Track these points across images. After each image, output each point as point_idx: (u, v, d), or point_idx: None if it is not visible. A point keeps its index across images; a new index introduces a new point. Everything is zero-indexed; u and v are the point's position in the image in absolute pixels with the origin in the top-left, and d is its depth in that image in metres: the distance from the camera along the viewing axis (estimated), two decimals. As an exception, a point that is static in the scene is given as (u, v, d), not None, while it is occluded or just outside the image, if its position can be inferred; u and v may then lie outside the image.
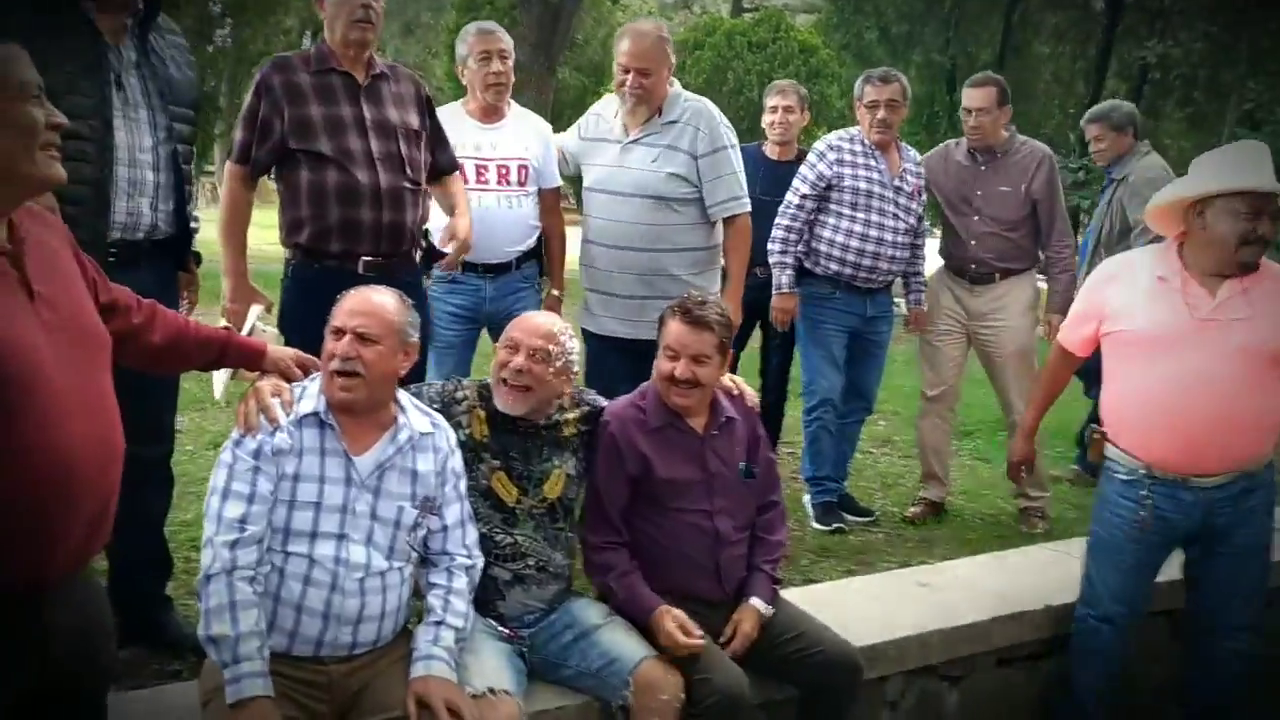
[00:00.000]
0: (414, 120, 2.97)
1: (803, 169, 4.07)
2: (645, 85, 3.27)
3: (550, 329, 2.43)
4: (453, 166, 3.19)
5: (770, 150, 4.57)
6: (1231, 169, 2.59)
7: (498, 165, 3.47)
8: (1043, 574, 3.31)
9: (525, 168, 3.53)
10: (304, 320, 2.58)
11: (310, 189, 2.82)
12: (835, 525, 4.01)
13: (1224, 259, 2.58)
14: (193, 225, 2.73)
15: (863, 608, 2.99)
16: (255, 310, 2.69)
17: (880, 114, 3.96)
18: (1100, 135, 4.60)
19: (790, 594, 2.86)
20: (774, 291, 4.08)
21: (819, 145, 4.11)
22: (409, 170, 2.91)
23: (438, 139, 3.10)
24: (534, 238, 3.60)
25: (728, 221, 3.40)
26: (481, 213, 3.29)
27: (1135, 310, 2.67)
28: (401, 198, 2.88)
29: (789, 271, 4.05)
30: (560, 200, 3.82)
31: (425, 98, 3.06)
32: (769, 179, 4.24)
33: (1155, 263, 2.72)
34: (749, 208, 3.43)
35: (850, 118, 4.64)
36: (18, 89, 1.54)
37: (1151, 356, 2.63)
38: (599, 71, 17.12)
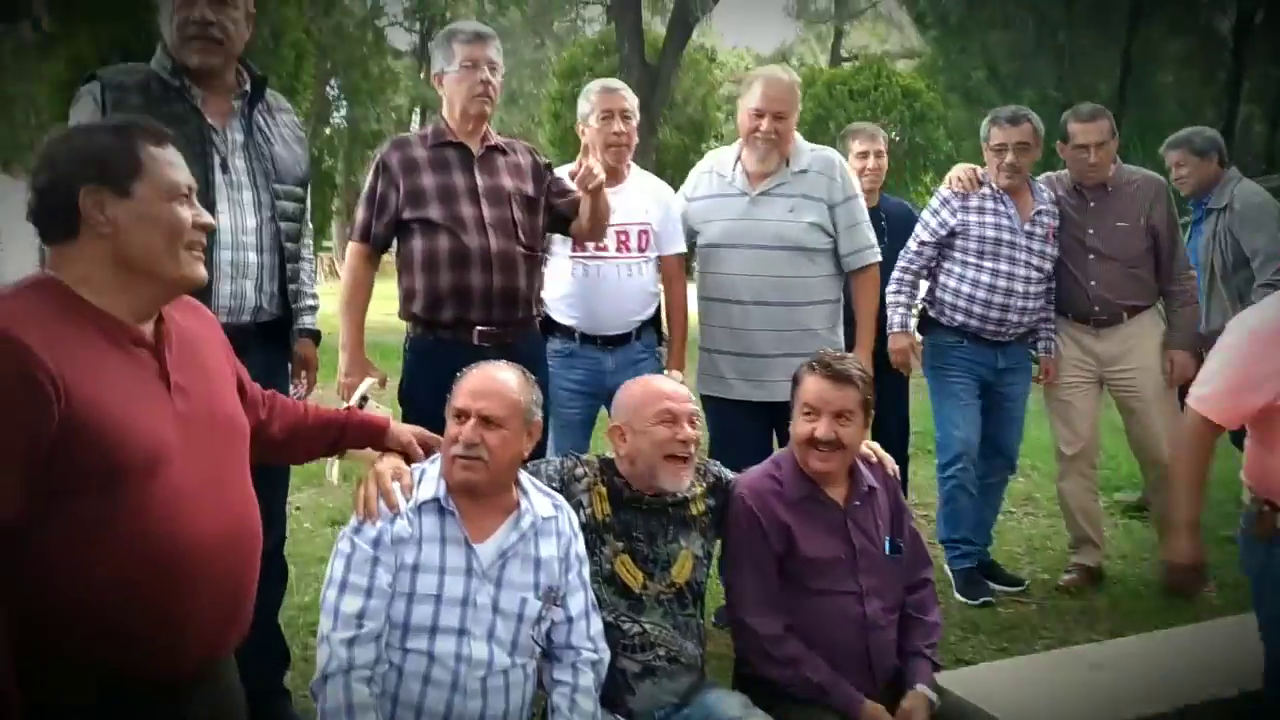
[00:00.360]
0: (529, 188, 2.95)
1: (925, 214, 3.87)
2: (779, 130, 3.21)
3: (686, 392, 2.39)
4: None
5: None
6: None
7: (617, 231, 3.24)
8: (1231, 651, 2.94)
9: (646, 233, 3.37)
10: (423, 393, 2.64)
11: (423, 256, 2.83)
12: (983, 599, 3.70)
13: None
14: (310, 302, 2.75)
15: (1026, 694, 2.68)
16: (367, 384, 2.65)
17: (1009, 157, 3.70)
18: (1182, 161, 4.25)
19: (941, 677, 2.59)
20: (889, 332, 3.78)
21: (943, 190, 3.89)
22: (522, 235, 2.88)
23: (564, 193, 3.02)
24: (654, 306, 3.42)
25: (857, 272, 3.36)
26: (599, 281, 3.24)
27: None
28: (514, 263, 2.85)
29: (901, 310, 3.82)
30: (684, 267, 3.55)
31: (544, 165, 3.06)
32: None
33: None
34: (880, 257, 3.40)
35: (956, 159, 4.37)
36: (169, 189, 1.57)
37: None
38: (698, 130, 17.25)
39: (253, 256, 2.45)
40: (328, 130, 17.93)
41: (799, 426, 2.37)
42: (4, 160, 22.27)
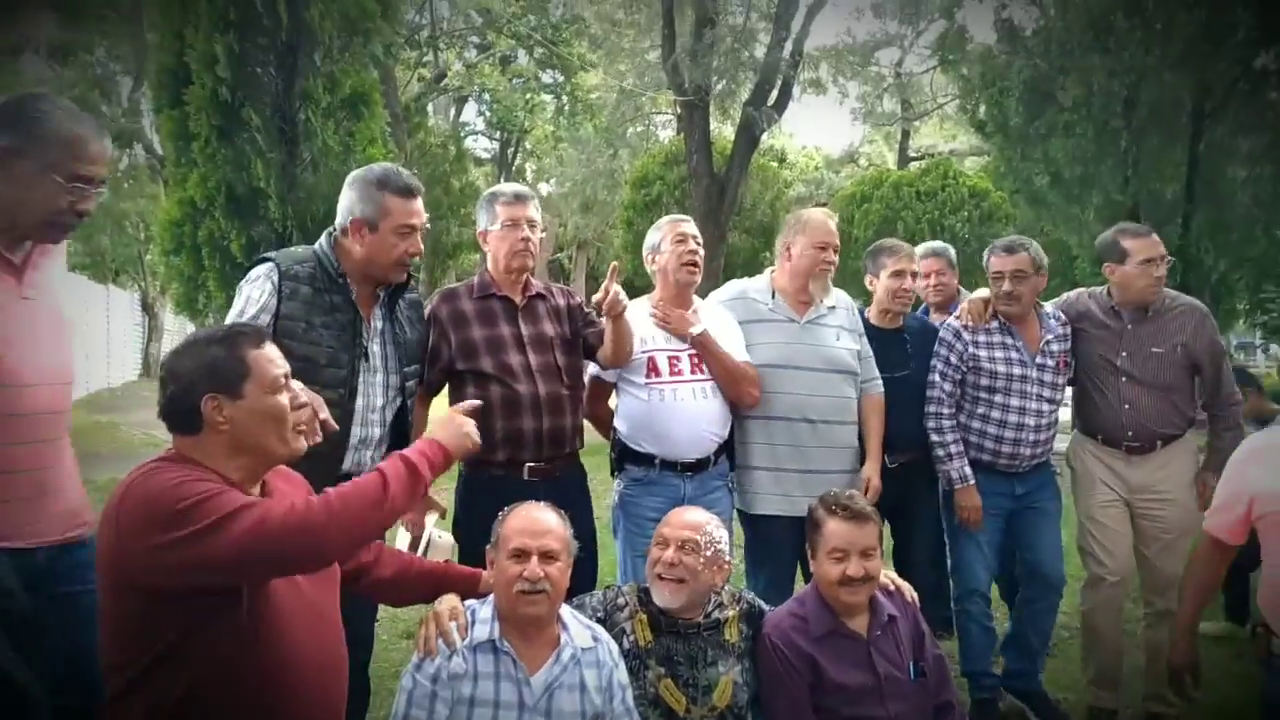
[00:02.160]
0: (567, 330, 3.23)
1: (939, 348, 3.77)
2: (833, 264, 3.55)
3: (696, 520, 2.57)
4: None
5: (878, 317, 3.90)
6: None
7: (690, 354, 3.32)
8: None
9: None
10: (476, 525, 2.82)
11: None
12: None
13: None
14: None
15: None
16: (432, 518, 2.92)
17: (1005, 285, 3.63)
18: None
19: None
20: (954, 488, 3.68)
21: (953, 323, 3.79)
22: (565, 378, 3.15)
23: (591, 324, 3.25)
24: (728, 427, 3.42)
25: (869, 397, 3.63)
26: (676, 405, 3.27)
27: None
28: (561, 404, 3.11)
29: (958, 461, 3.67)
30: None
31: (578, 304, 3.31)
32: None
33: None
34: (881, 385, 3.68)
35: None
36: (271, 384, 1.92)
37: None
38: (767, 233, 17.54)
39: (376, 431, 2.80)
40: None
41: (828, 569, 2.54)
42: (115, 270, 23.92)
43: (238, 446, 1.88)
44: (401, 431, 2.88)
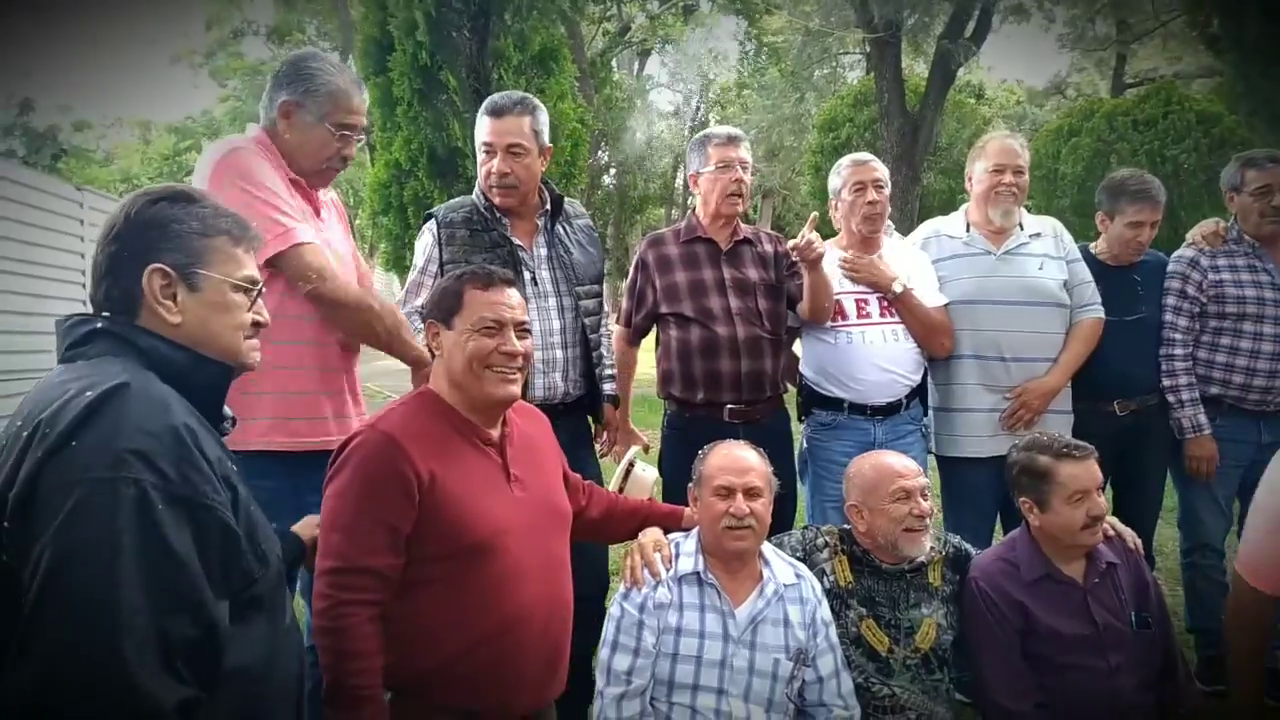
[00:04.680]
0: (773, 276, 3.18)
1: (1171, 282, 3.46)
2: (1020, 185, 3.30)
3: (913, 465, 2.55)
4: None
5: (1108, 256, 3.54)
6: None
7: (879, 297, 3.22)
8: None
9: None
10: (681, 463, 2.86)
11: (678, 345, 3.13)
12: (1216, 686, 3.34)
13: None
14: (609, 372, 3.17)
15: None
16: (633, 450, 2.98)
17: (1276, 199, 3.33)
18: None
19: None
20: (1186, 437, 3.40)
21: (1186, 253, 3.49)
22: (767, 323, 3.12)
23: (796, 274, 3.17)
24: (921, 372, 3.30)
25: (1076, 324, 3.33)
26: (866, 349, 3.18)
27: None
28: (760, 348, 3.09)
29: (1190, 408, 3.38)
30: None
31: (784, 252, 3.21)
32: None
33: None
34: (1102, 312, 3.34)
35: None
36: (476, 323, 2.01)
37: None
38: (964, 173, 16.66)
39: (560, 354, 2.91)
40: (599, 193, 19.12)
41: (1070, 514, 2.40)
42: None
43: (450, 377, 2.05)
44: (586, 354, 2.96)
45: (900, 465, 2.52)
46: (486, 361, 1.98)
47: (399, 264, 9.67)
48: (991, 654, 2.42)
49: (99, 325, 1.45)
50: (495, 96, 2.92)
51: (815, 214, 3.13)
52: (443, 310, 2.03)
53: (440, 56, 8.25)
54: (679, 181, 25.65)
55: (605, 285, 3.37)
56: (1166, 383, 3.43)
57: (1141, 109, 16.18)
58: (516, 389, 2.02)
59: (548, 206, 2.97)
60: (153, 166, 29.40)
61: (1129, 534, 2.56)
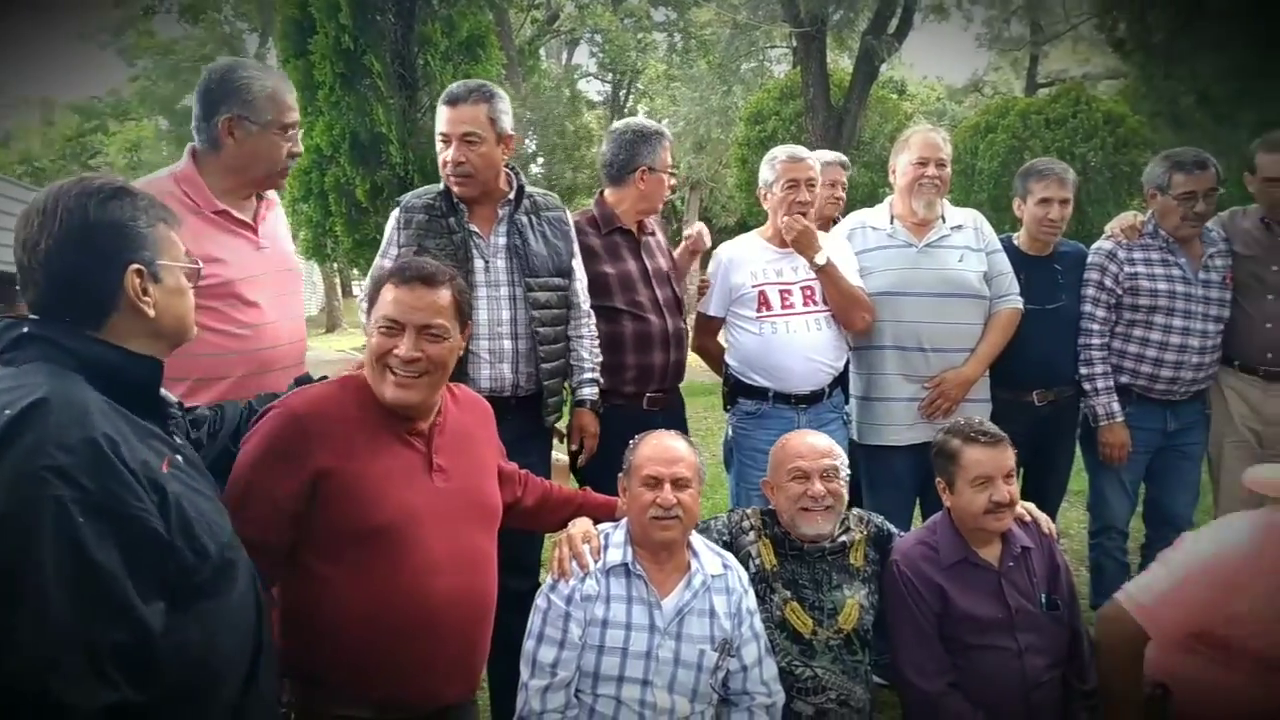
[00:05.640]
0: (667, 263, 3.32)
1: (1090, 274, 3.55)
2: (942, 178, 3.37)
3: (825, 446, 2.59)
4: None
5: (1028, 244, 3.63)
6: None
7: (802, 287, 3.28)
8: None
9: None
10: (601, 452, 2.97)
11: (607, 339, 3.10)
12: None
13: None
14: (588, 375, 2.99)
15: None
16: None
17: (1199, 206, 3.42)
18: None
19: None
20: (1098, 425, 3.52)
21: (1104, 244, 3.59)
22: (681, 312, 3.24)
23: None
24: (844, 360, 3.38)
25: (994, 314, 3.40)
26: (789, 338, 3.23)
27: None
28: (682, 339, 3.21)
29: (1105, 396, 3.49)
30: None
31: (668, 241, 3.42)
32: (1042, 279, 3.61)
33: None
34: (1021, 302, 3.42)
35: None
36: (375, 321, 1.99)
37: None
38: (887, 167, 16.97)
39: (508, 344, 2.85)
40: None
41: (972, 498, 2.47)
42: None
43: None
44: (542, 351, 2.88)
45: (803, 446, 2.57)
46: (384, 361, 1.96)
47: (319, 252, 9.44)
48: (908, 636, 2.49)
49: (26, 330, 1.45)
50: (453, 86, 2.88)
51: (771, 208, 3.33)
52: (369, 300, 2.06)
53: (364, 40, 8.06)
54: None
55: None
56: (1083, 370, 3.54)
57: (1053, 108, 16.69)
58: (413, 395, 1.95)
59: (511, 196, 2.92)
60: (55, 148, 28.18)
61: (1044, 519, 2.66)
